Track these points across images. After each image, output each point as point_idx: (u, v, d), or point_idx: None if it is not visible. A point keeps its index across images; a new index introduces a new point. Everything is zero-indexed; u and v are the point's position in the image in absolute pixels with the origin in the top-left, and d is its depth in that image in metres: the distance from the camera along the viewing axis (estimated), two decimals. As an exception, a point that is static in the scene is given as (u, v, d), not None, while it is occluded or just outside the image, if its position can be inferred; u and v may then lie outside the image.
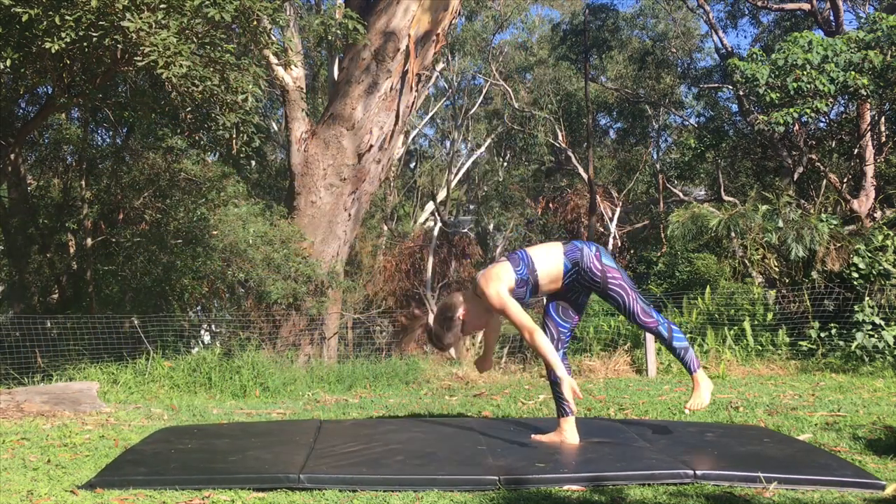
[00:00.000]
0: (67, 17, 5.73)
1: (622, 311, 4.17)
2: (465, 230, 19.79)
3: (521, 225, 19.59)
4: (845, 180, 13.63)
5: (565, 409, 4.20)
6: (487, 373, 8.51)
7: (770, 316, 8.92)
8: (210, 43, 6.53)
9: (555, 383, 4.17)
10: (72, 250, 10.89)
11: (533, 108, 20.21)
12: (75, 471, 3.93)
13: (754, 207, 9.59)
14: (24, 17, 5.66)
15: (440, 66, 17.54)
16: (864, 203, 12.14)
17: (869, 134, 12.47)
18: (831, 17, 14.37)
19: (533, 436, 4.32)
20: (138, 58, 5.96)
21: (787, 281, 9.32)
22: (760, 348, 8.51)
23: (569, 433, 4.21)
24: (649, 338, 8.11)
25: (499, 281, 4.03)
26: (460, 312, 4.13)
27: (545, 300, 4.32)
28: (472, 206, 24.08)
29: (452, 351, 4.14)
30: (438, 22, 9.66)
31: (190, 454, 4.06)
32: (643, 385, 7.13)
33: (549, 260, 4.10)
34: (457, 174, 20.44)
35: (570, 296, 4.22)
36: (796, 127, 12.95)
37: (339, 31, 8.55)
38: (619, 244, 19.51)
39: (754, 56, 10.99)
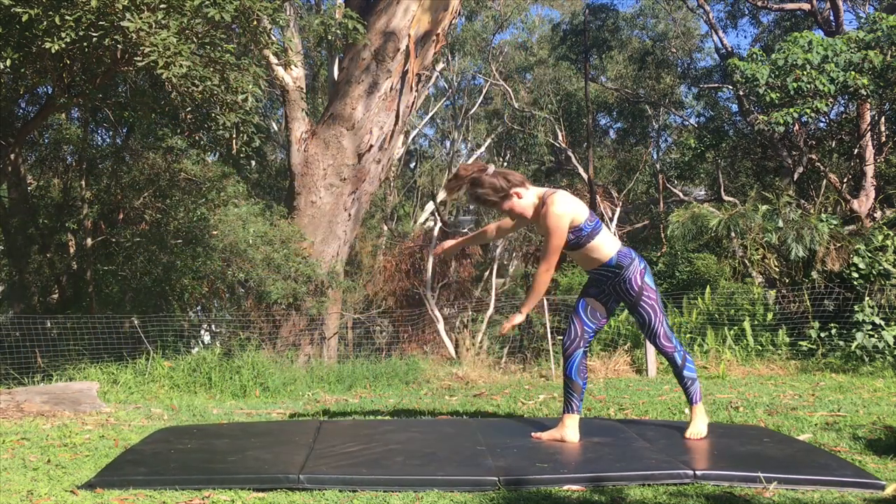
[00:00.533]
0: (67, 17, 5.73)
1: (644, 330, 4.25)
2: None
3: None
4: (845, 180, 13.63)
5: (572, 406, 4.27)
6: (487, 373, 8.50)
7: (770, 316, 8.92)
8: (210, 43, 6.53)
9: (568, 377, 4.26)
10: (72, 250, 10.89)
11: (533, 108, 20.22)
12: (75, 471, 3.93)
13: (754, 207, 9.59)
14: (24, 17, 5.67)
15: (440, 66, 17.53)
16: (864, 203, 12.15)
17: (869, 134, 12.48)
18: (831, 17, 14.38)
19: (534, 433, 4.34)
20: (138, 58, 5.96)
21: (787, 281, 9.32)
22: (760, 348, 8.51)
23: (570, 430, 4.25)
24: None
25: (572, 210, 4.04)
26: (517, 190, 4.09)
27: (577, 296, 4.37)
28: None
29: (444, 196, 4.06)
30: (438, 22, 9.67)
31: (190, 454, 4.06)
32: (643, 385, 7.13)
33: (606, 242, 4.14)
34: (457, 174, 20.40)
35: (601, 297, 4.27)
36: (796, 127, 12.95)
37: (339, 31, 8.56)
38: (619, 244, 19.48)
39: (754, 56, 11.00)
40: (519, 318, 4.18)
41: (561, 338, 9.60)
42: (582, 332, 4.26)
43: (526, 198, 4.11)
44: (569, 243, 4.11)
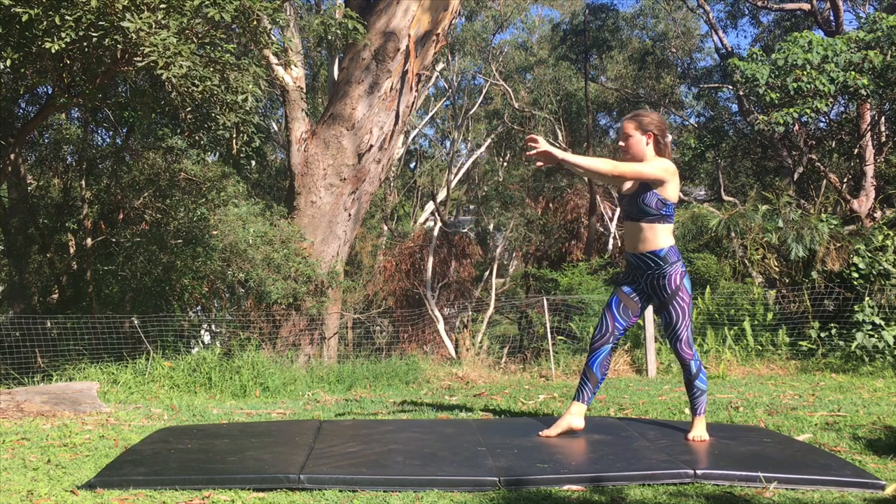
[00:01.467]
0: (67, 17, 5.73)
1: (668, 330, 4.25)
2: (465, 230, 19.79)
3: (521, 225, 19.61)
4: (845, 180, 13.63)
5: (584, 395, 4.33)
6: (487, 373, 8.51)
7: (770, 316, 8.92)
8: (210, 43, 6.54)
9: (588, 368, 4.31)
10: (72, 250, 10.90)
11: (533, 108, 20.23)
12: (75, 471, 3.93)
13: (754, 207, 9.59)
14: (24, 17, 5.67)
15: (440, 66, 17.55)
16: (864, 203, 12.14)
17: (869, 134, 12.47)
18: (831, 17, 14.38)
19: (540, 432, 4.35)
20: (138, 58, 5.96)
21: (787, 281, 9.32)
22: (760, 348, 8.51)
23: (575, 417, 4.31)
24: (649, 338, 8.11)
25: (671, 179, 4.08)
26: (650, 136, 4.15)
27: (612, 292, 4.38)
28: (472, 206, 24.09)
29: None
30: (438, 22, 9.67)
31: (190, 454, 4.06)
32: (643, 385, 7.13)
33: (668, 233, 4.17)
34: (457, 174, 20.45)
35: (635, 293, 4.27)
36: (796, 127, 12.95)
37: (339, 31, 8.56)
38: (620, 244, 19.52)
39: (754, 56, 10.99)
40: (554, 151, 4.05)
41: (561, 338, 9.61)
42: (613, 328, 4.27)
43: (648, 150, 4.16)
44: (645, 207, 4.10)
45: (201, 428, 4.89)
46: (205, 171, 10.23)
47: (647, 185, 4.10)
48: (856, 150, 12.71)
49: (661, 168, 4.07)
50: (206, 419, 5.68)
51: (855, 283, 8.52)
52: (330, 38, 8.83)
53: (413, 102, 10.18)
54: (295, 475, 3.55)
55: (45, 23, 5.79)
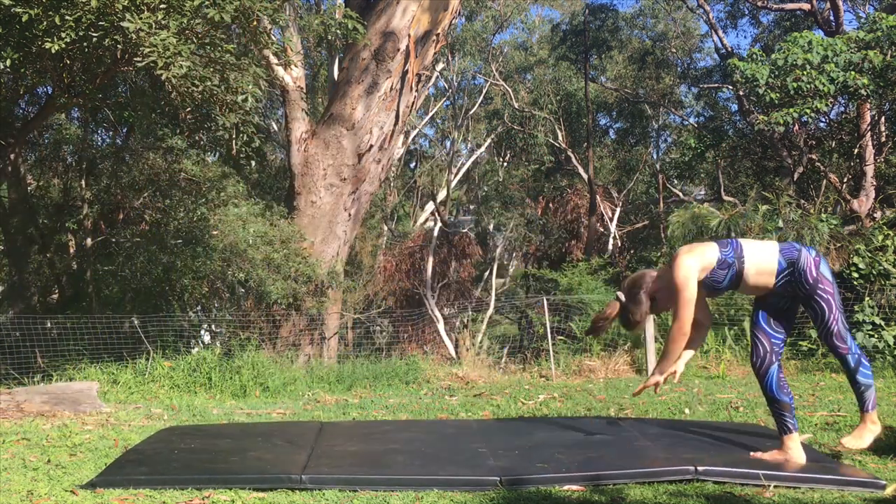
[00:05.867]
0: (67, 17, 5.73)
1: (818, 325, 3.90)
2: (465, 230, 19.79)
3: (520, 225, 19.60)
4: (845, 180, 13.63)
5: (787, 426, 3.88)
6: (487, 373, 8.49)
7: (770, 316, 8.90)
8: (210, 43, 6.53)
9: (771, 398, 3.91)
10: (72, 250, 10.89)
11: (533, 108, 20.22)
12: (75, 471, 3.93)
13: (754, 207, 9.59)
14: (24, 17, 5.67)
15: (440, 66, 17.54)
16: (864, 203, 12.13)
17: (869, 134, 12.47)
18: (831, 17, 14.37)
19: (752, 453, 3.96)
20: (138, 58, 5.96)
21: (787, 281, 9.30)
22: (760, 348, 8.50)
23: (794, 451, 3.86)
24: (649, 338, 8.10)
25: (698, 257, 3.85)
26: (647, 288, 3.95)
27: (753, 310, 4.07)
28: (472, 206, 24.10)
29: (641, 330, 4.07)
30: (438, 22, 9.67)
31: (191, 454, 4.06)
32: (643, 385, 7.12)
33: (761, 253, 3.88)
34: (457, 174, 20.44)
35: (778, 303, 3.96)
36: (796, 127, 12.95)
37: (339, 31, 8.56)
38: (619, 244, 19.53)
39: (754, 56, 10.99)
40: (657, 378, 4.07)
41: (561, 338, 9.60)
42: (770, 345, 3.91)
43: (661, 285, 3.96)
44: (726, 284, 3.90)
45: (202, 428, 4.89)
46: (205, 172, 10.21)
47: (697, 284, 3.87)
48: (856, 150, 12.70)
49: (685, 272, 3.82)
50: (207, 419, 5.69)
51: (855, 283, 8.52)
52: (330, 38, 8.83)
53: (413, 102, 10.18)
54: (296, 475, 3.55)
55: (45, 23, 5.79)
